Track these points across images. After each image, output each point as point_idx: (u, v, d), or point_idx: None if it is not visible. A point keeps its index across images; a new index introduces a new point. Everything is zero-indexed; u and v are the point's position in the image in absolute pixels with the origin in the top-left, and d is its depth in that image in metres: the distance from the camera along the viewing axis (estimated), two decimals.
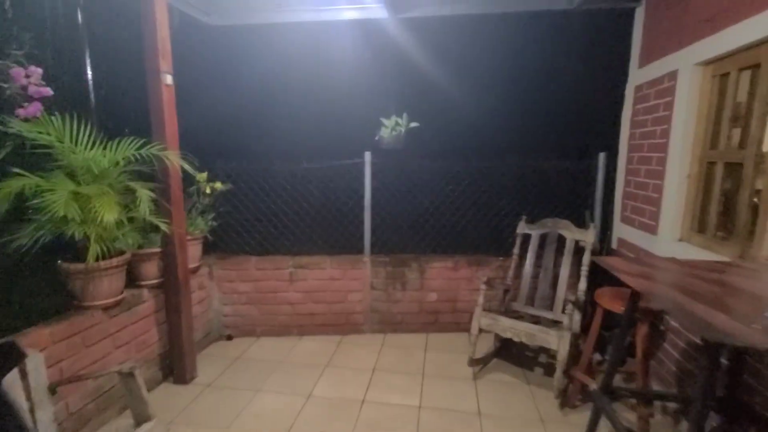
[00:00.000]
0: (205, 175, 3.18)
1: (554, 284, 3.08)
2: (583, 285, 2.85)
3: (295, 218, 3.54)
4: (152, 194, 2.28)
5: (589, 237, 2.95)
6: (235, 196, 3.45)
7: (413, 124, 3.33)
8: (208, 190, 3.11)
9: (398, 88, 3.43)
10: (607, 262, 1.96)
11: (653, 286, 1.61)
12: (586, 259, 2.91)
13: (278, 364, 3.08)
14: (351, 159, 3.44)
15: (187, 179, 3.07)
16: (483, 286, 2.87)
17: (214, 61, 3.33)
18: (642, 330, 2.10)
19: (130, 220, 2.39)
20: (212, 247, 3.39)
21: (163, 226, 2.33)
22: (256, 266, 3.45)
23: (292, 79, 3.41)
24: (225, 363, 3.10)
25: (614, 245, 3.42)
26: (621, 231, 3.34)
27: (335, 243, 3.56)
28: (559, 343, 2.45)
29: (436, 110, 3.42)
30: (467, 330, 3.46)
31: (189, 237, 2.97)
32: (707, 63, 2.42)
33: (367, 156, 3.42)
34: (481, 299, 2.85)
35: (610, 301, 2.21)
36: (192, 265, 3.04)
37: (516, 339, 2.62)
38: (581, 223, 3.29)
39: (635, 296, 1.89)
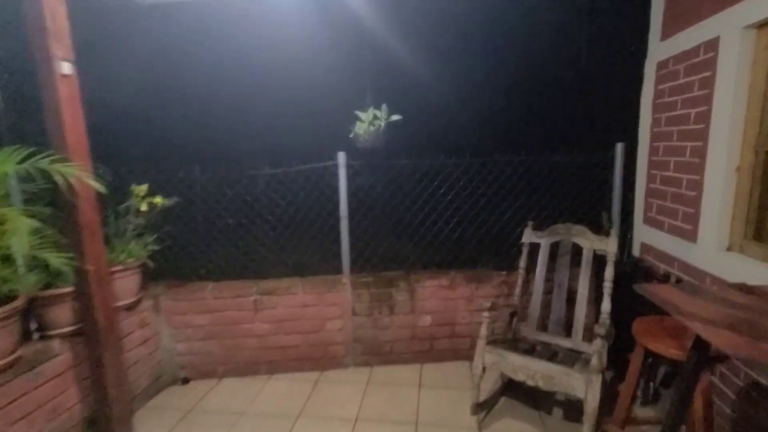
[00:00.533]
0: (144, 188, 2.61)
1: (570, 303, 2.56)
2: (606, 306, 2.34)
3: (259, 234, 2.96)
4: (40, 222, 1.70)
5: (610, 246, 2.42)
6: (185, 211, 2.87)
7: (395, 117, 2.77)
8: (144, 207, 2.53)
9: (375, 75, 2.85)
10: (657, 293, 1.43)
11: (747, 346, 1.07)
12: (609, 273, 2.39)
13: (239, 416, 2.52)
14: (322, 161, 2.88)
15: (123, 195, 2.53)
16: (486, 314, 2.32)
17: (149, 48, 2.73)
18: (705, 379, 1.58)
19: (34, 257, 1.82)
20: (159, 274, 2.81)
21: (57, 262, 1.74)
22: (214, 294, 2.87)
23: (246, 67, 2.82)
24: (175, 418, 2.53)
25: (636, 251, 2.90)
26: (644, 234, 2.83)
27: (308, 262, 3.00)
28: (587, 390, 1.91)
29: (422, 100, 2.85)
30: (468, 358, 2.94)
31: (120, 267, 2.40)
32: (761, 25, 1.90)
33: (341, 157, 2.85)
34: (484, 330, 2.31)
35: (657, 340, 1.68)
36: (126, 301, 2.47)
37: (530, 383, 2.09)
38: (598, 228, 2.77)
39: (702, 341, 1.37)
